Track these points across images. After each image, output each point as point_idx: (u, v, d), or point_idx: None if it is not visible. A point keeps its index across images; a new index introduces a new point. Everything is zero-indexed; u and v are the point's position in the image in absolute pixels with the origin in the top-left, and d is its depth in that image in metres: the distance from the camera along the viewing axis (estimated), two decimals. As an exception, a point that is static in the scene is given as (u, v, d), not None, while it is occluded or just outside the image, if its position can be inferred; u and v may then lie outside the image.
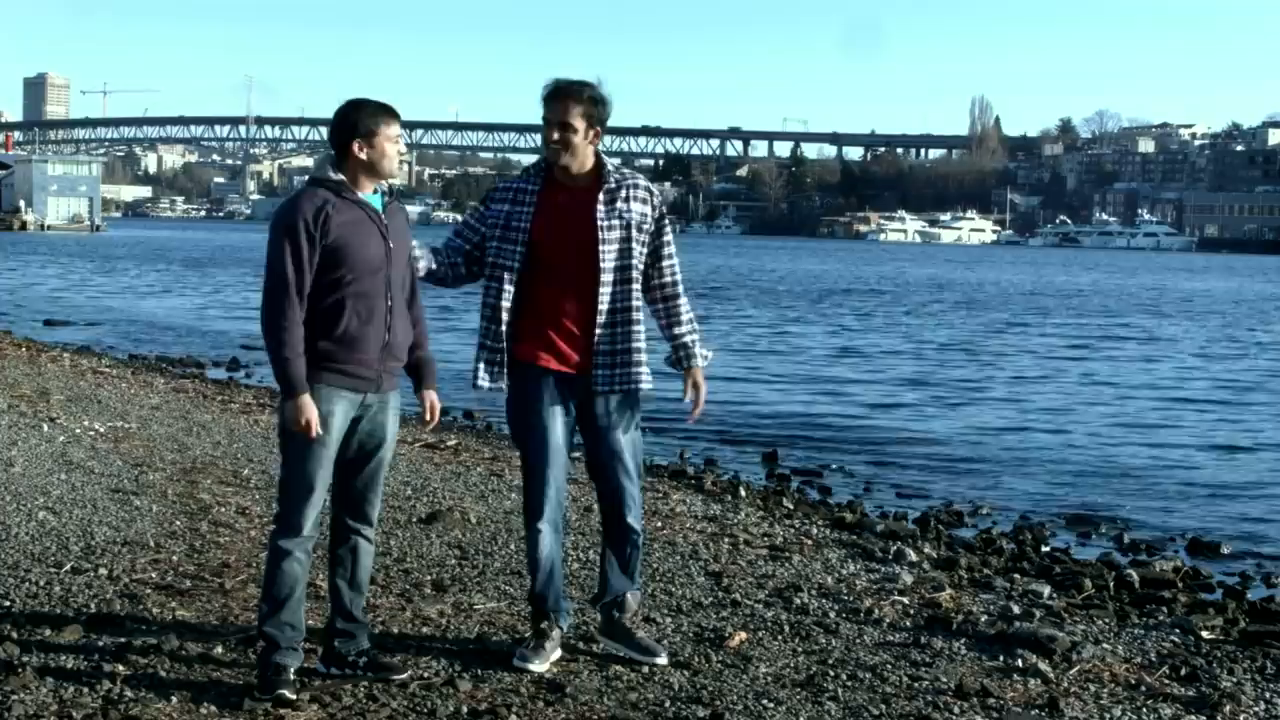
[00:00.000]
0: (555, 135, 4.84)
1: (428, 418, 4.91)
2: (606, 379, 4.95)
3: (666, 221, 5.09)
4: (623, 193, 4.94)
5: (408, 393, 4.89)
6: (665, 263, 5.07)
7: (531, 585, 5.13)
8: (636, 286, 4.96)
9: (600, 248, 4.87)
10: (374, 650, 4.91)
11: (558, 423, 4.96)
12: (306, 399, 4.51)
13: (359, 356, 4.60)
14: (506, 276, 4.91)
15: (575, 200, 4.92)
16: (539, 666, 4.99)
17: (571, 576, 6.36)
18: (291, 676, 4.66)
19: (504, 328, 4.92)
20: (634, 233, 4.93)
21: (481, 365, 4.98)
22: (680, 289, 5.12)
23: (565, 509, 5.03)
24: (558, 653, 5.12)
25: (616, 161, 5.06)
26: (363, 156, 4.60)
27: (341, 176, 4.61)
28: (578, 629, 5.50)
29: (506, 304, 4.92)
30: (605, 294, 4.90)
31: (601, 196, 4.91)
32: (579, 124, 4.83)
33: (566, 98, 4.84)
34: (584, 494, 8.12)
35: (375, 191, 4.69)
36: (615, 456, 5.02)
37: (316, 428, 4.52)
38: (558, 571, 5.12)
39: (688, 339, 5.12)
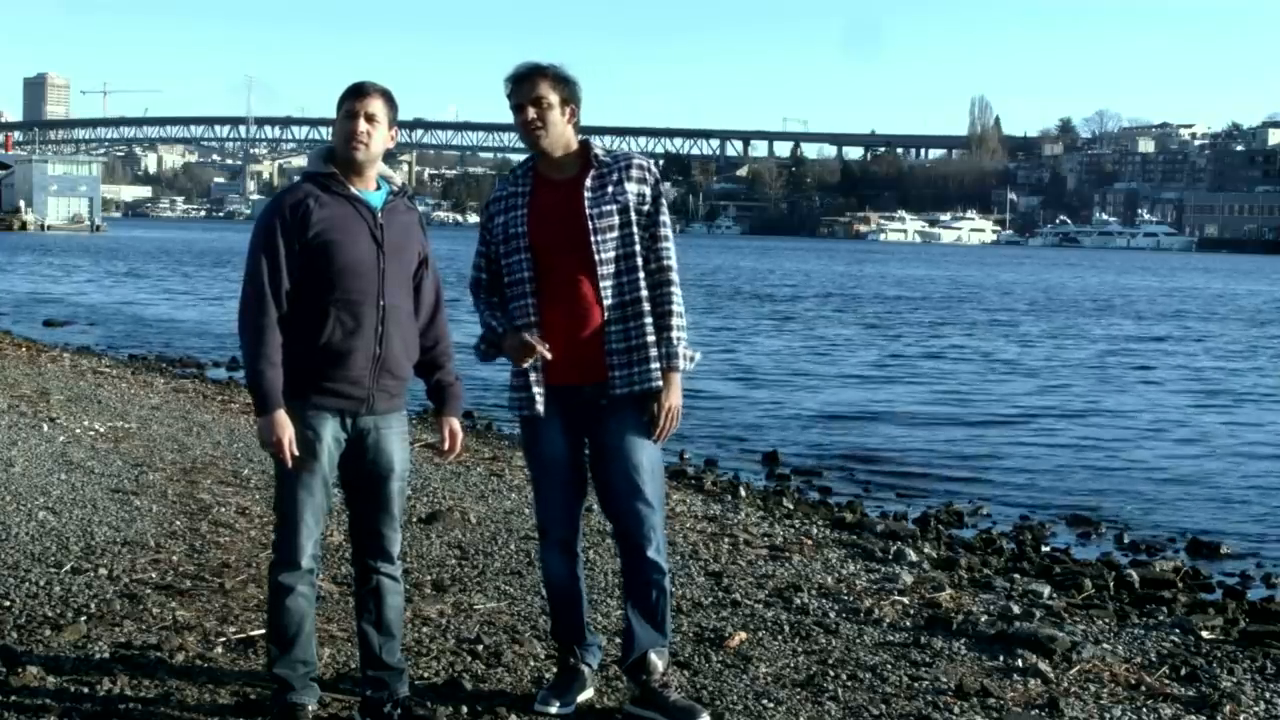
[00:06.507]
0: (531, 114, 4.40)
1: (446, 447, 4.49)
2: (625, 380, 4.42)
3: (664, 200, 4.58)
4: (614, 175, 4.47)
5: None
6: (661, 244, 4.50)
7: (549, 615, 4.84)
8: (643, 274, 4.45)
9: (593, 239, 4.40)
10: (410, 699, 4.47)
11: (562, 436, 4.52)
12: (280, 416, 4.11)
13: (344, 371, 4.18)
14: (525, 289, 4.46)
15: (564, 193, 4.47)
16: (557, 709, 4.61)
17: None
18: (310, 716, 4.35)
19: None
20: (633, 215, 4.44)
21: (518, 394, 4.52)
22: (674, 275, 4.53)
23: (574, 527, 4.66)
24: (587, 693, 4.71)
25: (604, 144, 4.66)
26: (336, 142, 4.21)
27: (333, 169, 4.23)
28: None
29: (534, 319, 4.44)
30: (609, 287, 4.41)
31: (589, 183, 4.45)
32: (553, 98, 4.41)
33: (533, 75, 4.43)
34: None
35: (378, 188, 4.29)
36: (630, 476, 4.46)
37: (291, 449, 4.13)
38: (577, 599, 4.71)
39: (673, 334, 4.48)
